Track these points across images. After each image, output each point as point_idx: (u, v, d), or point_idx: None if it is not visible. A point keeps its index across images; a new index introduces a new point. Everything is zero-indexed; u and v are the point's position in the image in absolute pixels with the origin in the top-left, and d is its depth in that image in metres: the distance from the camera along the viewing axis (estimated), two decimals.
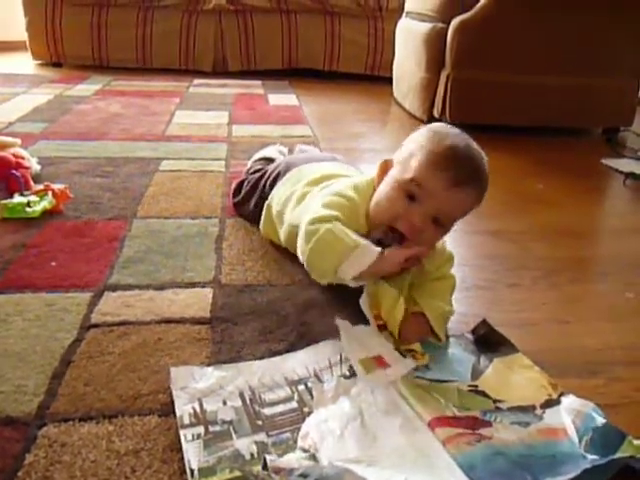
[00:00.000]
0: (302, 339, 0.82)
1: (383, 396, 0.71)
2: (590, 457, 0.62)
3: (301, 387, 0.72)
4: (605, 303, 1.02)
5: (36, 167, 1.42)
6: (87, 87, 2.62)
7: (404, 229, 0.86)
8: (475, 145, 0.89)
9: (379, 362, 0.77)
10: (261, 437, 0.64)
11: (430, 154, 0.85)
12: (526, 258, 1.17)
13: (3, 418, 0.65)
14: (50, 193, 1.23)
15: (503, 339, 0.84)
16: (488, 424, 0.67)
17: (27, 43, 3.15)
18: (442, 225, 0.87)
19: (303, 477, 0.56)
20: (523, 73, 2.10)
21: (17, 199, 1.21)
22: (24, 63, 3.21)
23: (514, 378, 0.77)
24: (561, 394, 0.73)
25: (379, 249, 0.83)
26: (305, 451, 0.61)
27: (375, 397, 0.70)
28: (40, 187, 1.26)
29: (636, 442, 0.63)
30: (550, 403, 0.71)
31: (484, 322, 0.87)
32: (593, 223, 1.46)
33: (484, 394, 0.73)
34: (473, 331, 0.87)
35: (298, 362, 0.77)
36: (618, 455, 0.61)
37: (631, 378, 0.80)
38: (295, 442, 0.63)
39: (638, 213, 1.54)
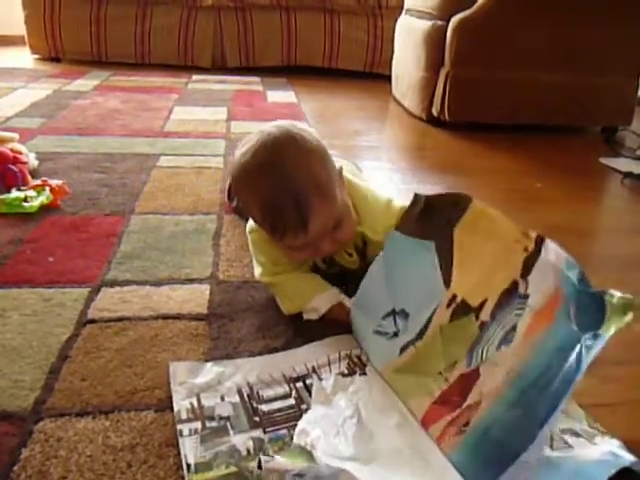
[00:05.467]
0: (299, 336, 0.82)
1: (380, 394, 0.71)
2: (584, 337, 0.57)
3: (299, 384, 0.72)
4: None
5: (34, 162, 1.41)
6: (85, 82, 2.62)
7: (327, 254, 0.86)
8: (286, 145, 0.77)
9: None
10: (258, 433, 0.64)
11: (261, 221, 0.81)
12: None
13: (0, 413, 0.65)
14: (48, 188, 1.23)
15: (449, 196, 0.75)
16: (475, 376, 0.63)
17: (25, 37, 3.13)
18: (340, 224, 0.81)
19: (299, 477, 0.56)
20: (522, 71, 2.10)
21: (15, 194, 1.20)
22: (22, 57, 3.20)
23: (485, 250, 0.69)
24: (538, 241, 0.65)
25: (340, 296, 0.87)
26: (301, 448, 0.61)
27: (372, 395, 0.70)
28: (38, 182, 1.26)
29: (615, 301, 0.57)
30: (530, 263, 0.65)
31: (417, 195, 0.78)
32: (590, 222, 1.46)
33: (465, 307, 0.68)
34: (411, 206, 0.79)
35: (297, 359, 0.77)
36: (607, 332, 0.56)
37: (626, 377, 0.80)
38: (292, 439, 0.63)
39: (635, 212, 1.55)
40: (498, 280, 0.67)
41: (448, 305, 0.71)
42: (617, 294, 0.58)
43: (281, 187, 0.75)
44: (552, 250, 0.64)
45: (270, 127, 0.80)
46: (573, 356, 0.57)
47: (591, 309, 0.58)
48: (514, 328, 0.63)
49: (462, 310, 0.69)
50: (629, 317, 0.57)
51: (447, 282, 0.72)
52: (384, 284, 0.79)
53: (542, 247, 0.65)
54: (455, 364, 0.67)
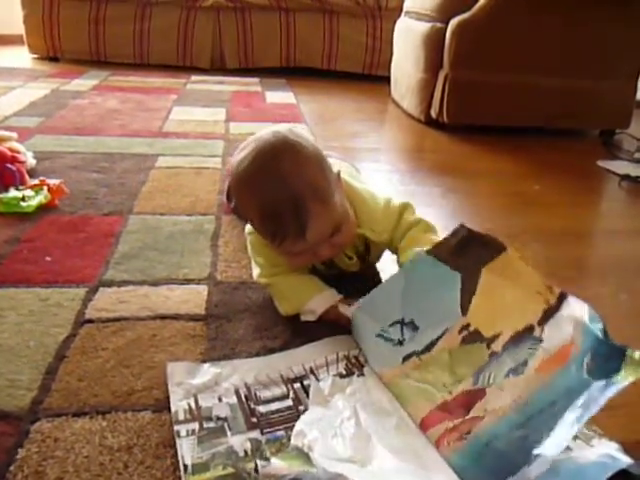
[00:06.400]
0: (297, 336, 0.82)
1: (379, 396, 0.70)
2: (595, 383, 0.58)
3: (297, 385, 0.72)
4: (599, 304, 1.02)
5: (32, 161, 1.41)
6: (84, 82, 2.61)
7: (327, 259, 0.86)
8: (284, 151, 0.77)
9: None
10: (255, 434, 0.64)
11: (260, 228, 0.81)
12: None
13: None
14: (45, 188, 1.23)
15: (487, 238, 0.77)
16: (481, 394, 0.64)
17: (24, 37, 3.13)
18: (339, 229, 0.80)
19: None
20: (521, 74, 2.10)
21: (12, 193, 1.20)
22: (21, 57, 3.20)
23: (507, 293, 0.71)
24: (560, 297, 0.67)
25: (337, 298, 0.86)
26: (298, 449, 0.61)
27: (370, 397, 0.70)
28: (35, 182, 1.26)
29: (637, 356, 0.59)
30: (549, 314, 0.67)
31: (462, 226, 0.80)
32: (588, 224, 1.47)
33: (478, 335, 0.69)
34: (452, 235, 0.80)
35: (294, 360, 0.77)
36: (621, 381, 0.57)
37: None
38: (289, 440, 0.63)
39: (633, 215, 1.55)
40: (515, 320, 0.69)
41: (460, 331, 0.72)
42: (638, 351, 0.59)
43: (279, 193, 0.75)
44: (574, 303, 0.66)
45: (267, 133, 0.79)
46: (582, 399, 0.58)
47: (608, 358, 0.60)
48: (525, 363, 0.64)
49: (474, 338, 0.71)
50: None
51: (464, 310, 0.73)
52: (399, 296, 0.80)
53: (563, 302, 0.67)
54: (461, 382, 0.68)
